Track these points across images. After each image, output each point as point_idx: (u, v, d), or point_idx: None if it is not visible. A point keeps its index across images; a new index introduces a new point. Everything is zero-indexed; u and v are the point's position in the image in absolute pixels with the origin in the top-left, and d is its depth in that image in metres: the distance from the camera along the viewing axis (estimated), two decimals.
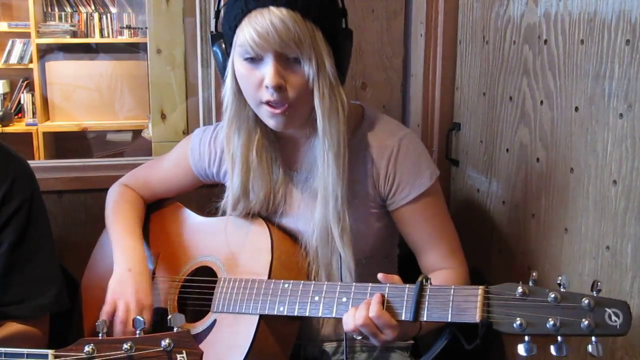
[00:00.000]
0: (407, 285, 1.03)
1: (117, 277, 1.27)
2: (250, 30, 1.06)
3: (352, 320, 1.04)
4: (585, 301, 0.85)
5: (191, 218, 1.41)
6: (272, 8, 1.05)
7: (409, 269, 1.30)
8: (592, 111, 1.13)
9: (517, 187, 1.40)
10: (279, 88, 1.09)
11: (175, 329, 0.91)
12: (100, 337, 0.90)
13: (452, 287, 0.98)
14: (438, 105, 1.73)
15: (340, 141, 1.14)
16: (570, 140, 1.20)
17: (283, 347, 1.24)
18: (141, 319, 0.92)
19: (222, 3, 1.18)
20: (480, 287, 0.95)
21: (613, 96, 1.08)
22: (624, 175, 1.06)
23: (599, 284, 0.87)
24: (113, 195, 1.45)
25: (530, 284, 0.91)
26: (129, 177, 1.50)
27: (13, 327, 1.19)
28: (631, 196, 1.05)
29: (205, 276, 1.28)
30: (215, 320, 1.22)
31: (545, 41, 1.27)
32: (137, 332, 0.90)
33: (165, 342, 0.88)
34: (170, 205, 1.47)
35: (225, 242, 1.29)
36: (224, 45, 1.15)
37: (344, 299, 1.08)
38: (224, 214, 1.31)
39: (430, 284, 1.01)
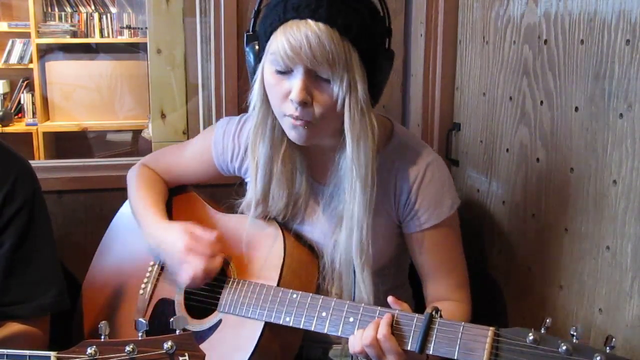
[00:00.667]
0: (417, 315, 1.01)
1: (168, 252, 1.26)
2: (284, 41, 1.02)
3: (358, 341, 1.03)
4: (597, 357, 0.82)
5: (207, 211, 1.39)
6: (310, 21, 1.00)
7: (418, 278, 1.30)
8: (592, 111, 1.13)
9: (517, 187, 1.40)
10: (304, 104, 1.05)
11: (177, 332, 0.91)
12: (102, 339, 0.90)
13: (462, 324, 0.96)
14: (438, 105, 1.73)
15: (369, 171, 1.10)
16: (570, 140, 1.20)
17: (286, 353, 1.23)
18: (143, 322, 0.92)
19: (263, 2, 1.13)
20: (491, 328, 0.93)
21: (613, 96, 1.08)
22: (624, 175, 1.06)
23: (613, 339, 0.84)
24: (135, 174, 1.44)
25: (543, 331, 0.89)
26: (151, 160, 1.48)
27: (14, 327, 1.19)
28: (631, 196, 1.05)
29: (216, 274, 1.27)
30: (220, 320, 1.22)
31: (545, 41, 1.27)
32: (139, 334, 0.91)
33: (167, 345, 0.88)
34: (188, 195, 1.46)
35: (239, 242, 1.28)
36: (257, 48, 1.11)
37: (351, 319, 1.07)
38: (241, 213, 1.29)
39: (441, 316, 1.00)
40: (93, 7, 4.61)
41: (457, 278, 1.26)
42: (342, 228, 1.17)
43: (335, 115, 1.08)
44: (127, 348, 0.87)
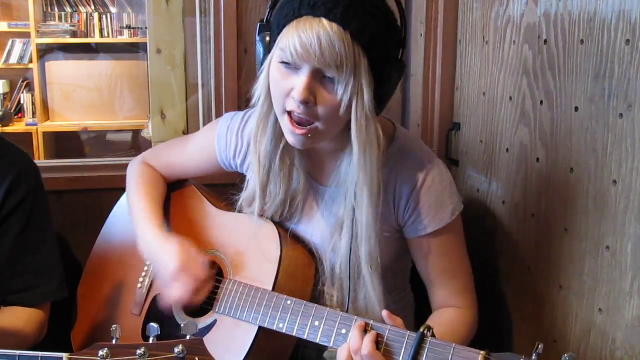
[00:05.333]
0: (408, 333, 1.01)
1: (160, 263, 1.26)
2: (295, 37, 1.01)
3: (346, 351, 1.02)
4: None
5: (206, 208, 1.39)
6: (324, 21, 0.99)
7: (421, 280, 1.30)
8: (592, 111, 1.13)
9: (517, 187, 1.40)
10: (306, 103, 1.04)
11: (188, 337, 0.92)
12: (114, 342, 0.91)
13: (454, 345, 0.96)
14: (438, 105, 1.73)
15: (376, 179, 1.10)
16: (570, 140, 1.20)
17: (279, 357, 1.24)
18: (155, 326, 0.93)
19: None
20: (482, 352, 0.93)
21: (613, 96, 1.08)
22: (624, 175, 1.06)
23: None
24: (136, 173, 1.43)
25: (534, 357, 0.88)
26: (151, 155, 1.47)
27: (19, 311, 1.24)
28: (631, 196, 1.05)
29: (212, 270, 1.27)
30: (215, 321, 1.22)
31: (545, 41, 1.27)
32: (151, 339, 0.91)
33: (178, 349, 0.89)
34: (187, 190, 1.45)
35: (237, 241, 1.28)
36: (268, 39, 1.10)
37: (344, 331, 1.07)
38: (239, 209, 1.29)
39: (432, 335, 0.99)
40: (93, 7, 4.61)
41: (461, 283, 1.25)
42: (342, 234, 1.17)
43: (337, 119, 1.07)
44: (139, 351, 0.88)
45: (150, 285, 1.34)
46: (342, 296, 1.22)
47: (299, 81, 1.04)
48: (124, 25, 4.61)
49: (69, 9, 4.59)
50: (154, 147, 1.50)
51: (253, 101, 1.16)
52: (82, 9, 4.60)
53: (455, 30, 1.67)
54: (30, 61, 4.37)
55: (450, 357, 0.95)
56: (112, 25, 4.61)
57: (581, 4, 1.15)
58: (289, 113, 1.08)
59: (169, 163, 1.45)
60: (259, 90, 1.13)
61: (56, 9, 4.56)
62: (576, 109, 1.18)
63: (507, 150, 1.44)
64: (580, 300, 1.19)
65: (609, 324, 1.11)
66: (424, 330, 0.99)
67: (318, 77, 1.04)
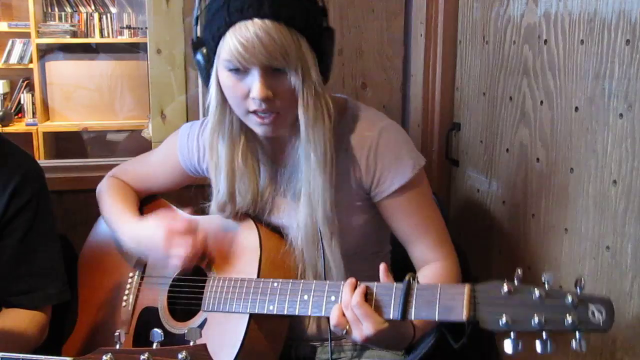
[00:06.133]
0: (395, 284, 1.03)
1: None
2: (236, 43, 1.04)
3: (337, 310, 1.04)
4: (569, 298, 0.86)
5: (180, 215, 1.39)
6: (256, 20, 1.03)
7: (404, 267, 1.30)
8: (592, 111, 1.13)
9: (517, 187, 1.40)
10: (267, 100, 1.08)
11: (191, 343, 0.92)
12: (117, 347, 0.91)
13: (439, 285, 0.98)
14: (438, 105, 1.73)
15: (327, 148, 1.14)
16: (570, 140, 1.20)
17: (274, 344, 1.24)
18: (159, 332, 0.93)
19: (199, 10, 1.16)
20: (467, 285, 0.95)
21: (613, 96, 1.08)
22: (624, 175, 1.06)
23: (582, 280, 0.88)
24: (104, 186, 1.45)
25: (516, 282, 0.91)
26: (119, 170, 1.49)
27: (21, 313, 1.24)
28: (631, 196, 1.05)
29: (195, 274, 1.28)
30: (205, 319, 1.22)
31: (545, 41, 1.27)
32: (155, 344, 0.92)
33: (182, 355, 0.89)
34: (159, 204, 1.47)
35: (214, 241, 1.29)
36: (205, 51, 1.13)
37: (333, 298, 1.08)
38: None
39: (418, 282, 1.01)
40: (93, 7, 4.61)
41: (436, 236, 1.26)
42: (300, 205, 1.20)
43: (296, 102, 1.11)
44: (142, 357, 0.88)
45: (135, 301, 1.34)
46: (303, 265, 1.23)
47: (254, 82, 1.08)
48: (124, 25, 4.61)
49: (69, 9, 4.59)
50: (119, 165, 1.51)
51: (208, 115, 1.20)
52: (82, 9, 4.59)
53: (455, 30, 1.67)
54: (30, 61, 4.36)
55: (438, 297, 0.97)
56: (112, 25, 4.60)
57: (581, 4, 1.15)
58: (253, 112, 1.12)
59: (135, 175, 1.47)
60: (212, 102, 1.17)
61: (56, 9, 4.56)
62: (576, 109, 1.18)
63: (507, 150, 1.44)
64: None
65: None
66: (409, 278, 1.01)
67: (269, 72, 1.08)
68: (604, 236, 1.11)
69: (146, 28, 1.85)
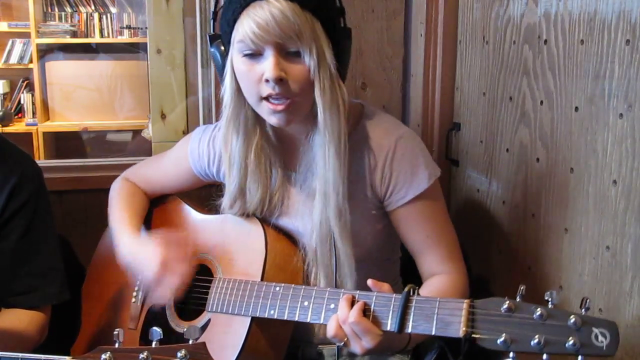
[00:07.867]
0: (394, 295, 1.01)
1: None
2: (250, 22, 1.05)
3: (334, 322, 1.03)
4: (572, 320, 0.83)
5: (191, 215, 1.41)
6: (270, 0, 1.05)
7: (413, 272, 1.30)
8: (592, 111, 1.13)
9: (517, 187, 1.40)
10: (280, 80, 1.08)
11: (190, 341, 0.92)
12: (117, 346, 0.91)
13: (438, 299, 0.96)
14: (438, 105, 1.73)
15: (341, 136, 1.13)
16: (570, 140, 1.20)
17: (276, 347, 1.24)
18: (158, 330, 0.93)
19: (219, 4, 1.17)
20: (466, 300, 0.93)
21: (613, 96, 1.08)
22: (624, 175, 1.06)
23: (588, 301, 0.85)
24: (116, 189, 1.46)
25: (518, 299, 0.89)
26: (131, 171, 1.50)
27: (20, 313, 1.25)
28: (631, 196, 1.05)
29: (202, 274, 1.28)
30: (209, 320, 1.22)
31: (545, 41, 1.27)
32: (154, 342, 0.92)
33: (181, 353, 0.89)
34: (171, 201, 1.48)
35: (222, 241, 1.29)
36: (222, 46, 1.15)
37: (332, 306, 1.07)
38: (222, 212, 1.31)
39: (418, 294, 0.99)
40: (93, 7, 4.61)
41: (447, 249, 1.25)
42: (315, 203, 1.19)
43: (311, 88, 1.11)
44: (142, 355, 0.88)
45: (144, 298, 1.35)
46: (316, 266, 1.22)
47: (267, 62, 1.08)
48: (124, 25, 4.61)
49: (69, 9, 4.59)
50: (132, 166, 1.52)
51: (222, 106, 1.19)
52: (82, 9, 4.59)
53: (455, 30, 1.67)
54: (30, 61, 4.37)
55: (436, 311, 0.95)
56: (112, 25, 4.60)
57: (581, 4, 1.15)
58: (266, 98, 1.11)
59: (147, 178, 1.48)
60: (226, 93, 1.17)
61: (56, 9, 4.56)
62: (576, 109, 1.18)
63: (507, 150, 1.44)
64: (580, 300, 1.18)
65: None
66: (409, 290, 0.99)
67: (282, 54, 1.08)
68: (604, 236, 1.11)
69: (146, 28, 1.86)
